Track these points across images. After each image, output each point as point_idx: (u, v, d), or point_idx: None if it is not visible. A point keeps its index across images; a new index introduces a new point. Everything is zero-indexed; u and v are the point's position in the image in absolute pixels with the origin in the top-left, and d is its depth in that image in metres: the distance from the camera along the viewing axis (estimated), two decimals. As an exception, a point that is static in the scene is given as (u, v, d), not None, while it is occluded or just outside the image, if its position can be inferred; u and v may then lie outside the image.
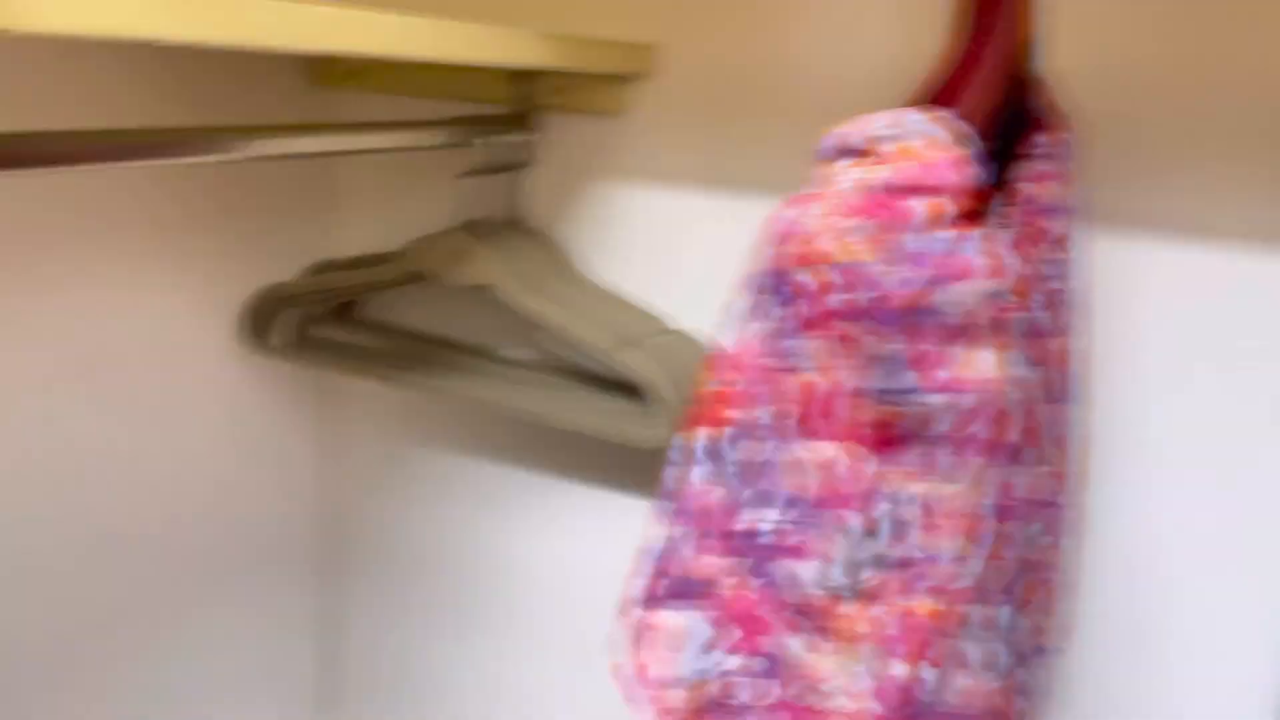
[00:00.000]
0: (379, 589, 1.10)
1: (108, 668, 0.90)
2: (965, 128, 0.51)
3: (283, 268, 0.98)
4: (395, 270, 0.86)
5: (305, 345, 0.97)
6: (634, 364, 0.79)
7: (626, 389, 0.88)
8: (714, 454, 0.52)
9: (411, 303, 0.98)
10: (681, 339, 0.85)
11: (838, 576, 0.52)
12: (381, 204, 0.99)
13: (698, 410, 0.53)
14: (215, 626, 0.99)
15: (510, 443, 0.98)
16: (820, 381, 0.50)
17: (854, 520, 0.51)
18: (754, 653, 0.53)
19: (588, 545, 0.96)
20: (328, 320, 0.99)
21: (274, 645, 1.07)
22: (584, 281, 0.89)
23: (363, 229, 1.00)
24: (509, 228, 0.89)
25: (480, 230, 0.85)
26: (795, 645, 0.53)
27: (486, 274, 0.82)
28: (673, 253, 0.87)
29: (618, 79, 0.85)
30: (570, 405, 0.84)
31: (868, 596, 0.52)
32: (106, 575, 0.88)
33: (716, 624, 0.53)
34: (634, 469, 0.93)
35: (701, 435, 0.53)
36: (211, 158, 0.62)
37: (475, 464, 1.01)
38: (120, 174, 0.83)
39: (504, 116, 0.86)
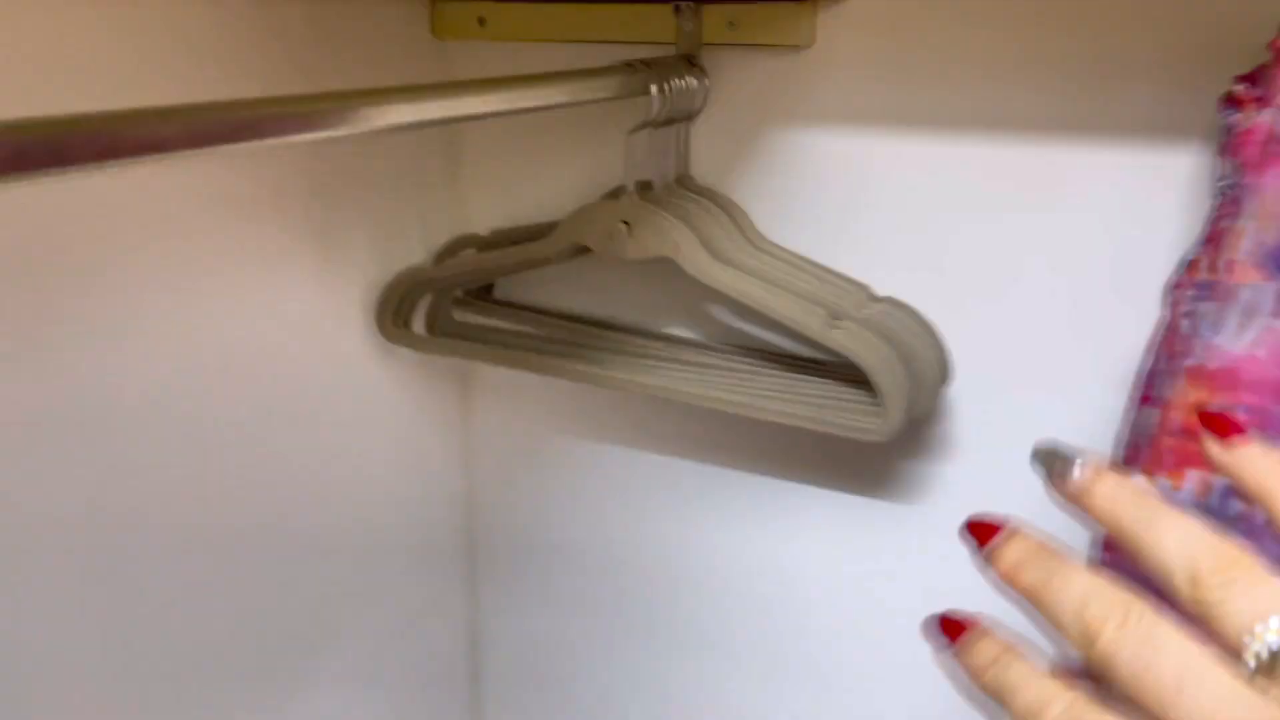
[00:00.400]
0: (531, 582, 1.00)
1: (263, 662, 0.82)
2: None
3: (411, 246, 0.87)
4: (554, 245, 0.75)
5: (450, 332, 0.86)
6: (851, 344, 0.67)
7: (829, 370, 0.76)
8: (1205, 509, 0.39)
9: (557, 280, 0.87)
10: (894, 308, 0.73)
11: None
12: (514, 170, 0.87)
13: (1181, 445, 0.41)
14: (367, 618, 0.91)
15: (680, 432, 0.87)
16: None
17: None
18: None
19: (780, 547, 0.86)
20: (470, 303, 0.88)
21: (426, 637, 0.99)
22: (772, 247, 0.77)
23: (492, 199, 0.89)
24: (680, 188, 0.77)
25: (650, 194, 0.74)
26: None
27: (666, 245, 0.71)
28: (871, 208, 0.74)
29: (805, 4, 0.71)
30: (771, 393, 0.73)
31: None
32: (259, 572, 0.80)
33: None
34: (842, 461, 0.81)
35: (1191, 481, 0.40)
36: (343, 130, 0.51)
37: (639, 455, 0.90)
38: (236, 155, 0.72)
39: (668, 60, 0.73)
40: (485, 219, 0.89)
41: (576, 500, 0.95)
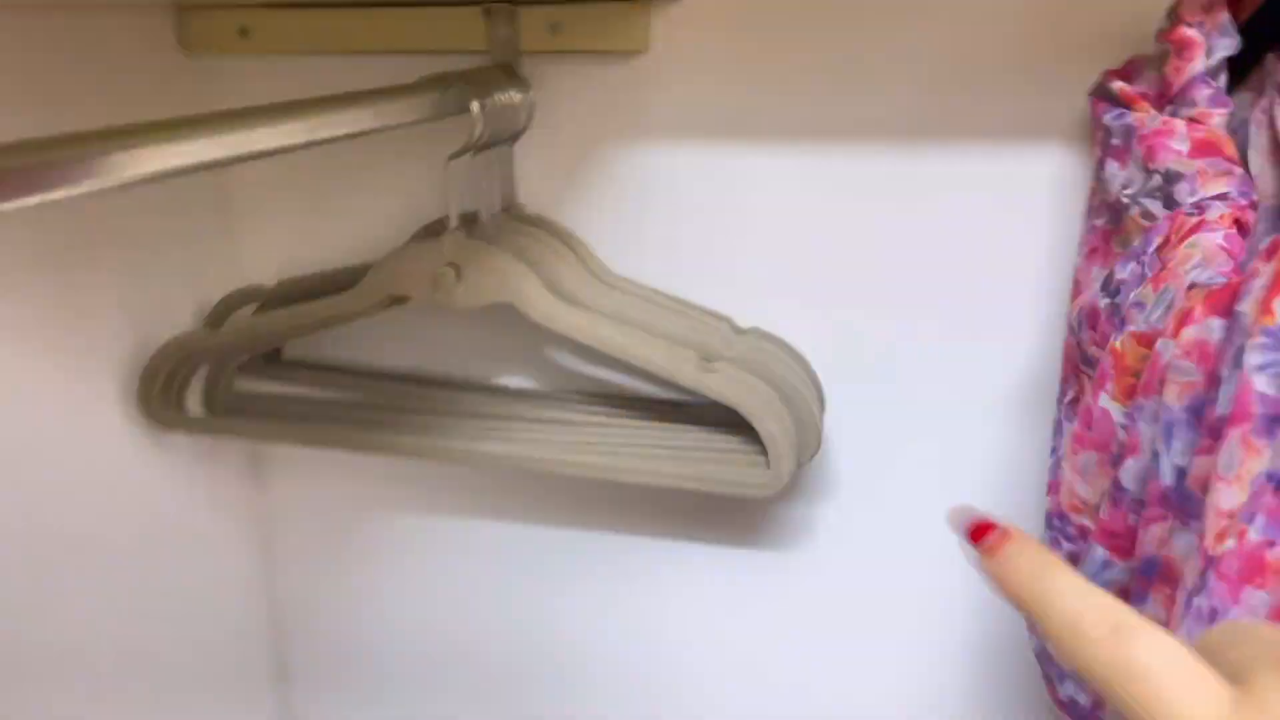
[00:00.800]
0: (355, 691, 0.86)
1: None
2: None
3: (178, 308, 0.71)
4: (365, 297, 0.62)
5: (235, 408, 0.71)
6: (729, 390, 0.59)
7: (693, 413, 0.67)
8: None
9: (362, 333, 0.74)
10: (762, 341, 0.66)
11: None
12: (297, 208, 0.73)
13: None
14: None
15: (522, 496, 0.76)
16: None
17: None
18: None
19: (650, 610, 0.76)
20: (256, 369, 0.74)
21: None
22: (621, 281, 0.67)
23: (273, 245, 0.75)
24: (509, 219, 0.66)
25: (476, 228, 0.62)
26: None
27: (505, 289, 0.60)
28: (722, 229, 0.66)
29: (637, 3, 0.62)
30: (637, 449, 0.63)
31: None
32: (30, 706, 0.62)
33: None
34: (712, 511, 0.73)
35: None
36: (85, 186, 0.37)
37: (476, 526, 0.78)
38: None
39: (484, 72, 0.63)
40: (266, 268, 0.74)
41: (403, 587, 0.82)
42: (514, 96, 0.62)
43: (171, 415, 0.67)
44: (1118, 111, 0.49)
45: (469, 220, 0.63)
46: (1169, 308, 0.41)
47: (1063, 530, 0.48)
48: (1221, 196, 0.44)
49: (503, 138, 0.63)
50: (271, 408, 0.72)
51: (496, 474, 0.76)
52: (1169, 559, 0.38)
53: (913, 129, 0.61)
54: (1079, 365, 0.54)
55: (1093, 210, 0.55)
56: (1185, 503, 0.36)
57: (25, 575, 0.62)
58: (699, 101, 0.64)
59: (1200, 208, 0.44)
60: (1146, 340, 0.42)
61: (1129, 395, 0.43)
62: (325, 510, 0.81)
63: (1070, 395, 0.55)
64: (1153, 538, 0.37)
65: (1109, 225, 0.52)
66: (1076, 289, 0.54)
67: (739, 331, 0.66)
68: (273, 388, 0.74)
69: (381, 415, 0.70)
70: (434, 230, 0.67)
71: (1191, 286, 0.38)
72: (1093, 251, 0.53)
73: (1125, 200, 0.48)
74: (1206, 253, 0.42)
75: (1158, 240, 0.45)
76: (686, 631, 0.76)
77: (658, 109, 0.65)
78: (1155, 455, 0.37)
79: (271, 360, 0.75)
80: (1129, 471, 0.39)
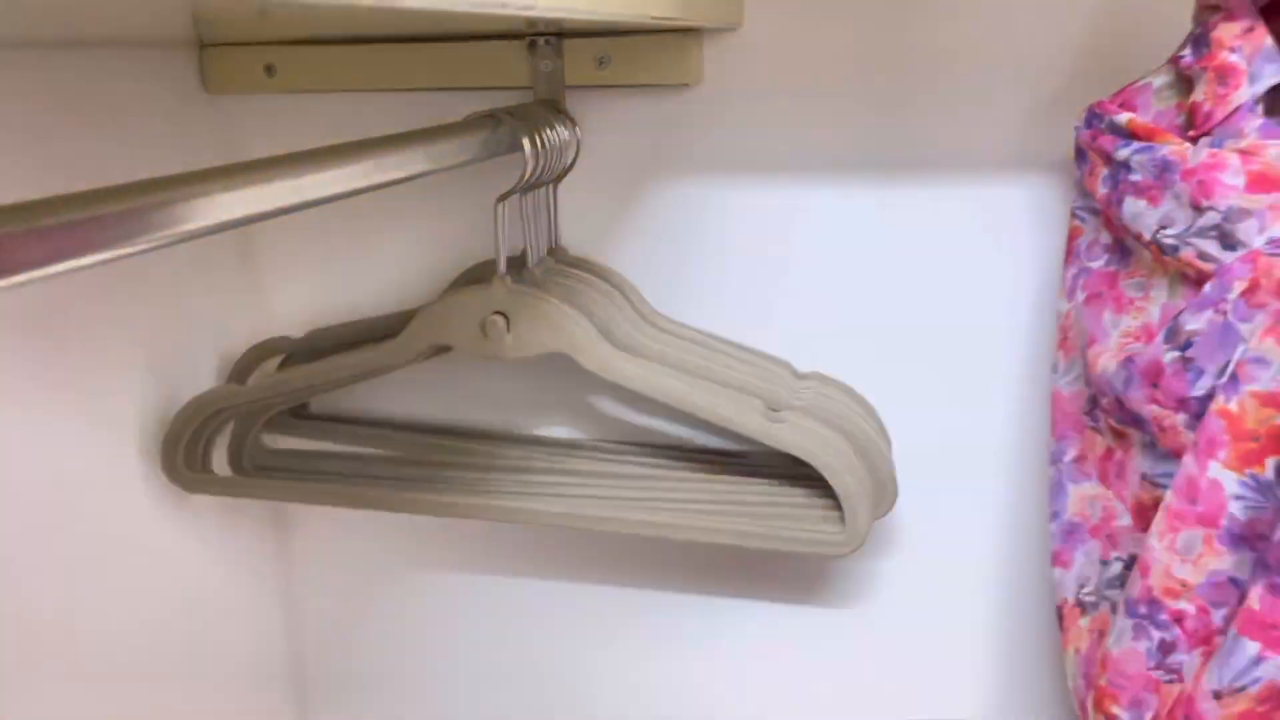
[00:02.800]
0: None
1: None
2: None
3: (201, 362, 0.68)
4: (407, 348, 0.58)
5: (264, 466, 0.67)
6: (801, 440, 0.55)
7: (755, 464, 0.63)
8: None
9: (397, 384, 0.70)
10: (826, 386, 0.62)
11: None
12: (325, 255, 0.70)
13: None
14: None
15: (567, 552, 0.72)
16: None
17: None
18: None
19: (701, 671, 0.72)
20: (284, 423, 0.70)
21: None
22: (676, 326, 0.64)
23: (301, 294, 0.71)
24: (555, 263, 0.62)
25: (524, 273, 0.59)
26: None
27: (560, 339, 0.56)
28: (777, 268, 0.63)
29: (689, 34, 0.59)
30: (700, 506, 0.59)
31: None
32: None
33: None
34: (764, 566, 0.69)
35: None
36: (125, 249, 0.33)
37: (517, 583, 0.74)
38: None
39: (530, 108, 0.59)
40: (293, 319, 0.70)
41: (433, 650, 0.77)
42: (562, 134, 0.58)
43: (196, 477, 0.63)
44: (1139, 145, 0.45)
45: (515, 264, 0.59)
46: None
47: (1152, 618, 0.43)
48: None
49: (550, 177, 0.60)
50: (301, 465, 0.68)
51: (537, 530, 0.72)
52: None
53: (969, 163, 0.58)
54: (1093, 423, 0.50)
55: (1082, 252, 0.50)
56: None
57: (49, 645, 0.57)
58: (752, 136, 0.61)
59: None
60: (1276, 401, 0.38)
61: (1249, 462, 0.39)
62: (353, 567, 0.77)
63: (1072, 454, 0.51)
64: None
65: (1115, 267, 0.48)
66: (1090, 339, 0.49)
67: (799, 376, 0.62)
68: (301, 443, 0.70)
69: (417, 471, 0.66)
70: (477, 276, 0.64)
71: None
72: (1096, 297, 0.49)
73: (1169, 242, 0.44)
74: None
75: (1240, 285, 0.41)
76: (740, 693, 0.71)
77: (709, 144, 0.62)
78: None
79: (299, 414, 0.71)
80: None
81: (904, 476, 0.63)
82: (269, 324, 0.71)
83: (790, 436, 0.55)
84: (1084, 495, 0.50)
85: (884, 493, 0.58)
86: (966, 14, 0.56)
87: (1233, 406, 0.39)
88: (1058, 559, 0.51)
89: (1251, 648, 0.38)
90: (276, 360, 0.68)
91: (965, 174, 0.59)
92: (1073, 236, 0.51)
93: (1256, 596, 0.37)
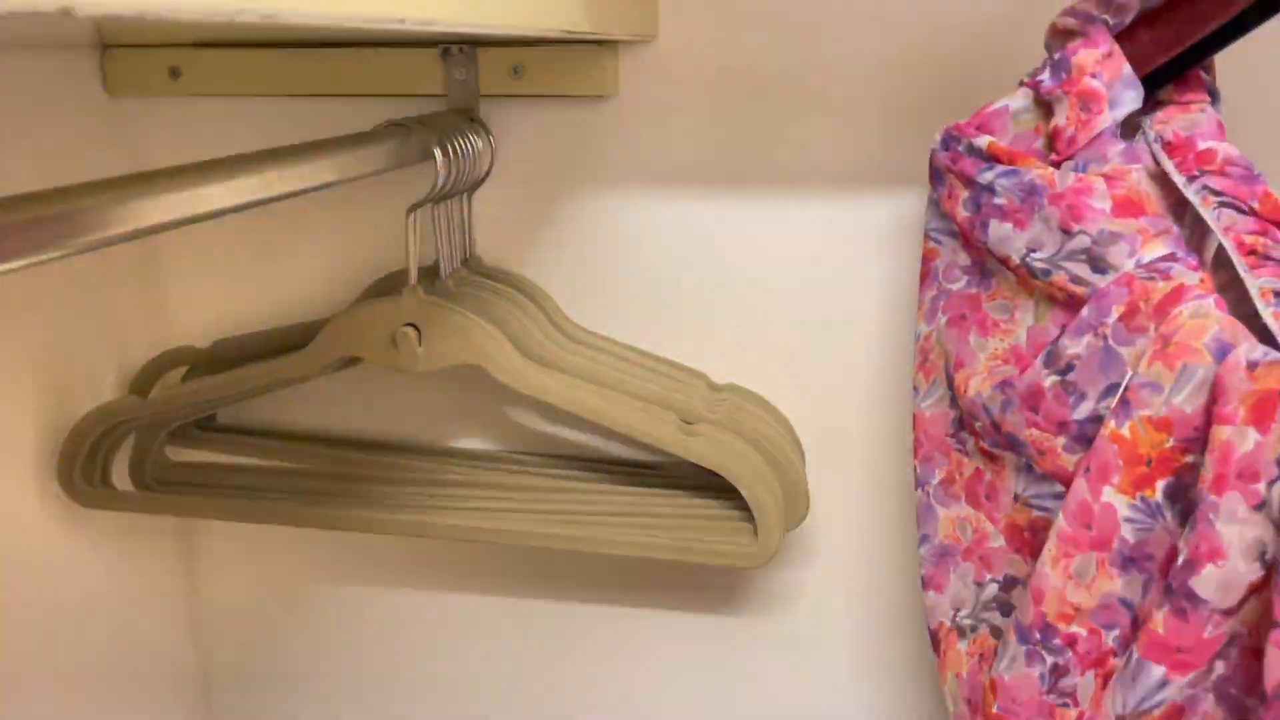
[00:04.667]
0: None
1: None
2: None
3: (98, 373, 0.65)
4: (315, 360, 0.57)
5: (167, 480, 0.65)
6: (715, 454, 0.55)
7: (669, 475, 0.64)
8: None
9: (307, 395, 0.69)
10: (742, 399, 0.62)
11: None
12: (230, 263, 0.68)
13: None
14: None
15: (481, 565, 0.72)
16: None
17: None
18: None
19: (618, 684, 0.72)
20: (188, 436, 0.68)
21: None
22: (591, 337, 0.63)
23: (203, 303, 0.69)
24: (469, 273, 0.62)
25: (437, 285, 0.58)
26: None
27: (471, 351, 0.55)
28: (691, 280, 0.63)
29: (605, 45, 0.59)
30: (612, 517, 0.59)
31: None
32: None
33: None
34: (684, 577, 0.69)
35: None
36: (12, 264, 0.32)
37: (428, 597, 0.73)
38: None
39: (443, 117, 0.58)
40: (195, 329, 0.68)
41: (346, 666, 0.76)
42: (475, 143, 0.58)
43: (95, 493, 0.61)
44: (1003, 169, 0.46)
45: (428, 275, 0.58)
46: (1199, 388, 0.38)
47: (1045, 643, 0.43)
48: (1170, 257, 0.42)
49: (464, 186, 0.59)
50: (206, 479, 0.66)
51: (452, 542, 0.71)
52: None
53: (883, 176, 0.59)
54: (960, 445, 0.50)
55: (940, 274, 0.51)
56: None
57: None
58: (668, 148, 0.61)
59: (1158, 271, 0.42)
60: (1166, 425, 0.39)
61: (1140, 486, 0.40)
62: (262, 582, 0.75)
63: (939, 477, 0.51)
64: None
65: (976, 289, 0.49)
66: (956, 363, 0.49)
67: (716, 389, 0.63)
68: (206, 456, 0.68)
69: (327, 485, 0.64)
70: (389, 286, 0.63)
71: (1253, 366, 0.36)
72: (959, 319, 0.50)
73: (1039, 265, 0.44)
74: (1223, 324, 0.39)
75: (1118, 309, 0.42)
76: (658, 705, 0.71)
77: (625, 156, 0.62)
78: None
79: (205, 426, 0.69)
80: (1210, 580, 0.36)
81: (818, 487, 0.64)
82: (171, 334, 0.69)
83: (703, 449, 0.55)
84: (954, 518, 0.50)
85: (797, 504, 0.58)
86: (856, 29, 0.57)
87: (1125, 431, 0.40)
88: (930, 583, 0.51)
89: (1157, 671, 0.38)
90: (180, 372, 0.66)
91: (851, 189, 0.59)
92: (928, 259, 0.51)
93: (1160, 620, 0.38)
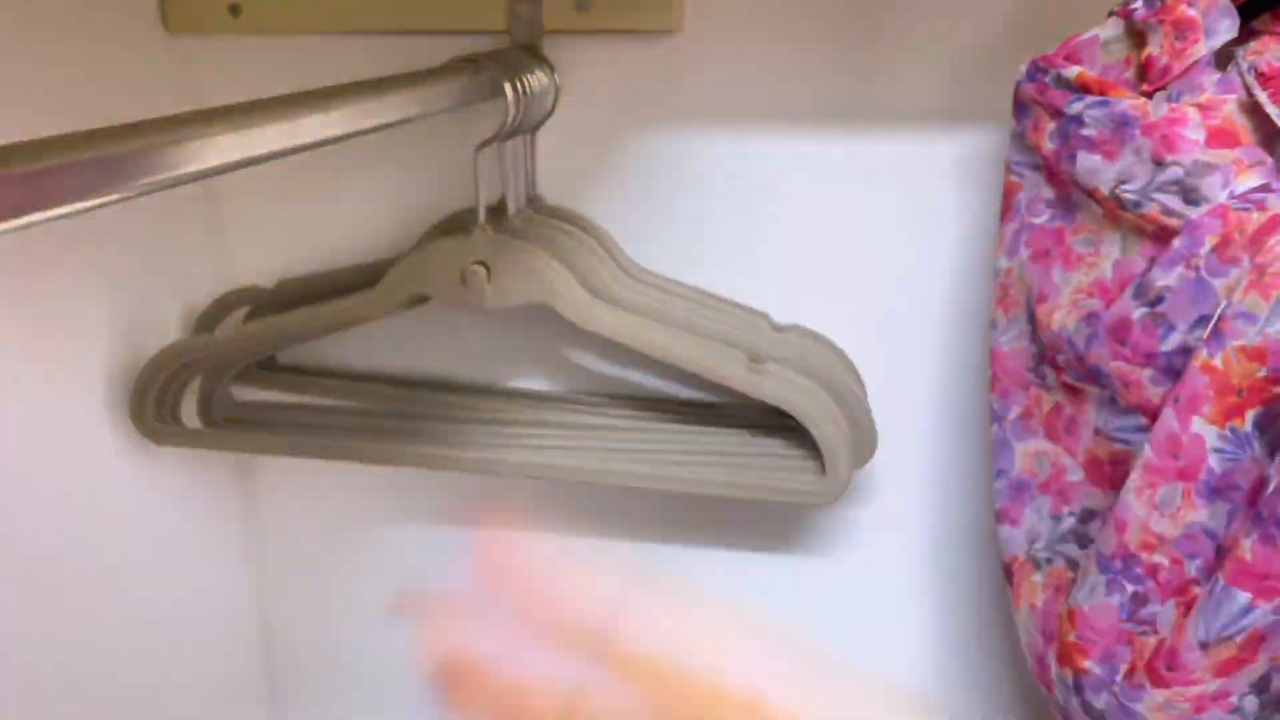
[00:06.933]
0: (341, 705, 0.81)
1: None
2: None
3: (164, 312, 0.66)
4: (385, 298, 0.58)
5: (233, 418, 0.66)
6: (784, 392, 0.55)
7: (732, 415, 0.64)
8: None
9: (368, 335, 0.69)
10: (805, 339, 0.62)
11: None
12: (292, 203, 0.68)
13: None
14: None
15: (537, 503, 0.72)
16: None
17: None
18: None
19: (676, 620, 0.73)
20: (253, 376, 0.68)
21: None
22: (655, 278, 0.63)
23: (266, 243, 0.69)
24: (533, 213, 0.61)
25: (505, 223, 0.58)
26: None
27: (540, 288, 0.55)
28: (753, 222, 0.63)
29: (670, -20, 0.58)
30: (680, 456, 0.60)
31: None
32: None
33: None
34: (737, 515, 0.69)
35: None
36: (80, 204, 0.32)
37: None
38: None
39: (509, 53, 0.58)
40: (258, 269, 0.69)
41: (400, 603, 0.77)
42: (541, 80, 0.57)
43: (166, 429, 0.62)
44: (1093, 99, 0.45)
45: (495, 214, 0.58)
46: None
47: (1127, 572, 0.43)
48: (1265, 188, 0.42)
49: (530, 124, 0.59)
50: (272, 417, 0.67)
51: (510, 482, 0.72)
52: None
53: (961, 110, 0.58)
54: (1039, 379, 0.50)
55: (1022, 208, 0.50)
56: None
57: (13, 592, 0.56)
58: (735, 85, 0.61)
59: (1253, 202, 0.41)
60: (1260, 355, 0.39)
61: (1230, 416, 0.40)
62: (322, 520, 0.76)
63: (1017, 411, 0.51)
64: None
65: (1060, 223, 0.49)
66: (1039, 296, 0.49)
67: (778, 329, 0.63)
68: (271, 395, 0.69)
69: (390, 423, 0.65)
70: (455, 226, 0.63)
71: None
72: (1043, 253, 0.49)
73: (1130, 197, 0.44)
74: None
75: (1211, 240, 0.41)
76: (716, 639, 0.72)
77: (689, 93, 0.61)
78: None
79: (266, 366, 0.69)
80: None
81: (883, 425, 0.64)
82: (234, 274, 0.69)
83: (773, 387, 0.55)
84: (1031, 452, 0.50)
85: (864, 443, 0.58)
86: (950, -36, 0.56)
87: (1217, 361, 0.39)
88: (1004, 516, 0.51)
89: (1243, 598, 0.39)
90: (242, 313, 0.66)
91: (925, 125, 0.59)
92: (1010, 193, 0.51)
93: (1249, 548, 0.38)
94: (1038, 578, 0.50)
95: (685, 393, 0.66)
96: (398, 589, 0.76)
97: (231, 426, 0.65)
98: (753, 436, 0.61)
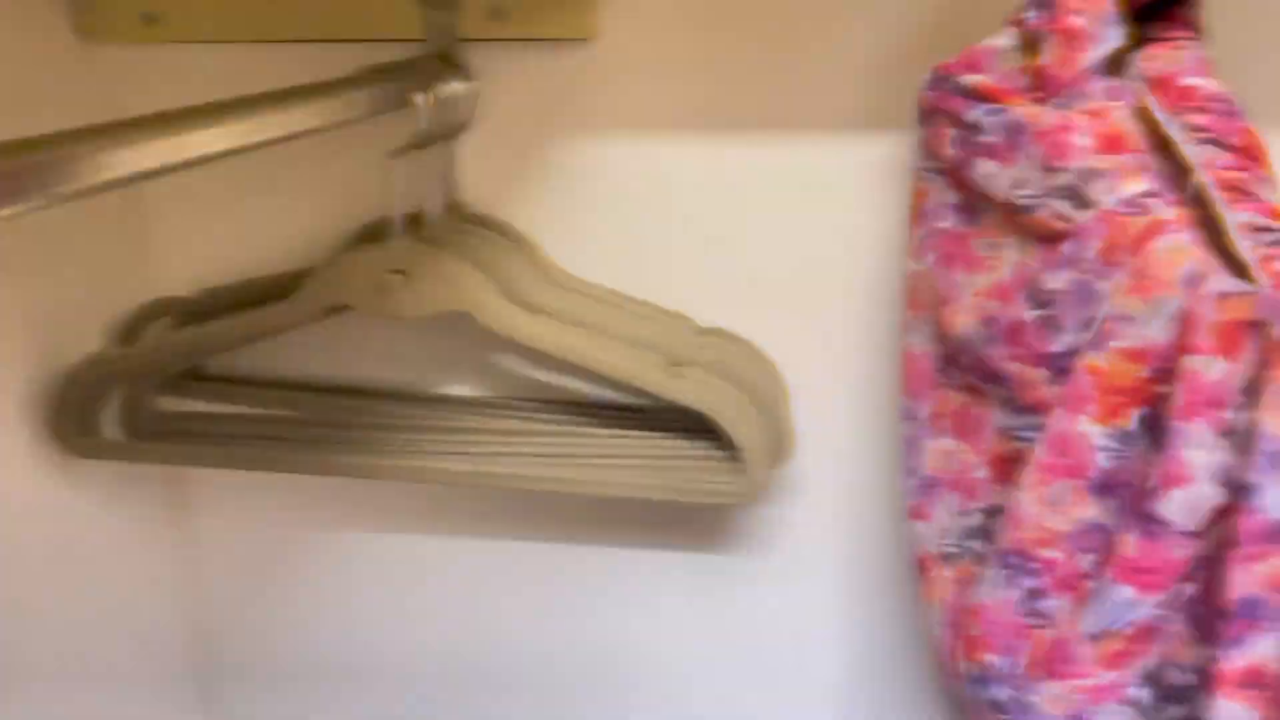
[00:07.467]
0: (281, 715, 0.81)
1: None
2: None
3: (83, 324, 0.65)
4: (302, 307, 0.58)
5: (157, 430, 0.66)
6: (702, 395, 0.56)
7: (656, 418, 0.64)
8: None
9: (294, 344, 0.69)
10: (726, 342, 0.63)
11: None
12: (213, 213, 0.68)
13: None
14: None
15: (469, 507, 0.73)
16: None
17: None
18: None
19: (603, 622, 0.73)
20: (177, 386, 0.68)
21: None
22: (577, 283, 0.64)
23: (187, 254, 0.68)
24: (453, 220, 0.62)
25: (423, 231, 0.58)
26: None
27: (459, 297, 0.56)
28: (675, 224, 0.64)
29: (586, -12, 0.59)
30: (601, 460, 0.60)
31: None
32: None
33: None
34: (667, 516, 0.70)
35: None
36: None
37: (414, 540, 0.74)
38: None
39: (422, 62, 0.58)
40: (180, 279, 0.68)
41: (341, 610, 0.77)
42: (456, 88, 0.58)
43: (88, 443, 0.61)
44: (990, 107, 0.46)
45: (413, 222, 0.58)
46: (1170, 320, 0.39)
47: (1023, 567, 0.45)
48: (1150, 193, 0.43)
49: (445, 132, 0.59)
50: (198, 427, 0.66)
51: (442, 488, 0.72)
52: None
53: (872, 117, 0.59)
54: (947, 380, 0.51)
55: (930, 213, 0.52)
56: None
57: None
58: (653, 92, 0.61)
59: (1137, 207, 0.42)
60: (1139, 356, 0.40)
61: (1114, 415, 0.41)
62: (256, 531, 0.76)
63: (927, 411, 0.53)
64: (1257, 578, 0.35)
65: (965, 228, 0.50)
66: (943, 299, 0.50)
67: (701, 332, 0.63)
68: (196, 406, 0.68)
69: (320, 432, 0.65)
70: (374, 234, 0.63)
71: (1222, 297, 0.36)
72: (948, 257, 0.50)
73: (1024, 202, 0.45)
74: (1195, 257, 0.40)
75: (1096, 244, 0.42)
76: (648, 643, 0.73)
77: (608, 99, 0.62)
78: (1248, 488, 0.35)
79: (194, 376, 0.69)
80: (1175, 504, 0.37)
81: (804, 426, 0.65)
82: (156, 284, 0.68)
83: (690, 391, 0.56)
84: (940, 450, 0.52)
85: (782, 443, 0.59)
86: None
87: (1100, 362, 0.41)
88: (916, 513, 0.53)
89: (1127, 592, 0.40)
90: (166, 322, 0.66)
91: (841, 131, 0.60)
92: (919, 197, 0.52)
93: (1131, 543, 0.39)
94: (947, 573, 0.51)
95: (613, 396, 0.67)
96: (337, 596, 0.76)
97: (156, 439, 0.65)
98: (675, 439, 0.62)
